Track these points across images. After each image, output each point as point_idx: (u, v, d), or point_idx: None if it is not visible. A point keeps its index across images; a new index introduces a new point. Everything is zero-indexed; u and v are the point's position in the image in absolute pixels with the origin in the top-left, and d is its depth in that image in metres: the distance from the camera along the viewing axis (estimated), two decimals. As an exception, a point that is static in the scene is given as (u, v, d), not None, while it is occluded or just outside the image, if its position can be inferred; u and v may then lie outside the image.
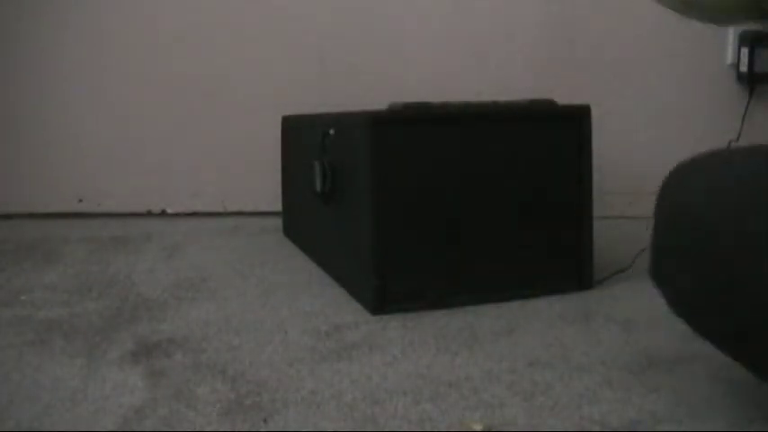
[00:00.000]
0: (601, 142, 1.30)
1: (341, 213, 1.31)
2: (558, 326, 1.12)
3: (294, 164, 1.60)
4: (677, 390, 0.89)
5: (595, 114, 1.26)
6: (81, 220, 1.85)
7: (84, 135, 1.87)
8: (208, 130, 1.87)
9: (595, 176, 1.27)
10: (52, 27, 1.83)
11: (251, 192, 1.87)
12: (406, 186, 1.18)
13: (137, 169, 1.88)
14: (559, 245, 1.26)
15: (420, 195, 1.18)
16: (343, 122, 1.29)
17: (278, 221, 1.71)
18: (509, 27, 1.81)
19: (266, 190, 1.78)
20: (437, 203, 1.19)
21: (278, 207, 1.72)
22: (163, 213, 1.89)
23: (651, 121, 1.85)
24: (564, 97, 1.29)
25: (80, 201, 1.88)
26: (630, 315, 1.15)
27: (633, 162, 1.82)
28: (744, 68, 1.80)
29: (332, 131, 1.31)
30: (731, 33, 1.82)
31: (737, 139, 1.78)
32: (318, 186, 1.33)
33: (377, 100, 1.28)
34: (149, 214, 1.89)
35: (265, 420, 0.83)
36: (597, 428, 0.81)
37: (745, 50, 1.80)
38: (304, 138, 1.48)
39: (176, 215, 1.89)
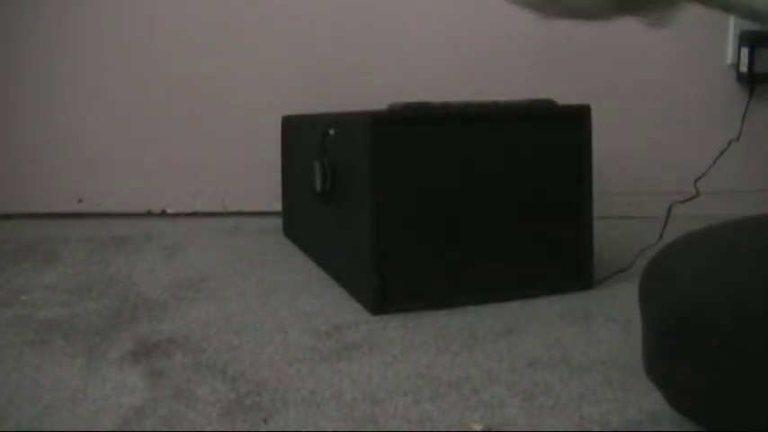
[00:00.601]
0: (601, 142, 1.30)
1: (341, 213, 1.30)
2: (558, 326, 1.12)
3: (294, 164, 1.60)
4: (677, 390, 0.89)
5: (595, 114, 1.26)
6: (81, 220, 1.84)
7: (84, 135, 1.87)
8: (208, 130, 1.87)
9: (595, 176, 1.27)
10: (52, 27, 1.82)
11: (251, 192, 1.87)
12: (405, 186, 1.18)
13: (137, 169, 1.87)
14: (559, 245, 1.26)
15: (420, 195, 1.18)
16: (343, 122, 1.29)
17: (278, 221, 1.71)
18: (509, 27, 1.80)
19: (266, 190, 1.78)
20: (437, 203, 1.19)
21: (278, 207, 1.72)
22: (163, 213, 1.89)
23: (651, 121, 1.85)
24: (564, 97, 1.29)
25: (80, 201, 1.88)
26: (630, 315, 1.14)
27: (633, 162, 1.82)
28: (744, 68, 1.81)
29: (332, 131, 1.31)
30: (731, 33, 1.82)
31: (737, 138, 1.78)
32: (318, 186, 1.33)
33: (377, 100, 1.28)
34: (149, 214, 1.89)
35: (265, 420, 0.83)
36: (597, 428, 0.81)
37: (745, 50, 1.80)
38: (304, 138, 1.48)
39: (176, 215, 1.89)
